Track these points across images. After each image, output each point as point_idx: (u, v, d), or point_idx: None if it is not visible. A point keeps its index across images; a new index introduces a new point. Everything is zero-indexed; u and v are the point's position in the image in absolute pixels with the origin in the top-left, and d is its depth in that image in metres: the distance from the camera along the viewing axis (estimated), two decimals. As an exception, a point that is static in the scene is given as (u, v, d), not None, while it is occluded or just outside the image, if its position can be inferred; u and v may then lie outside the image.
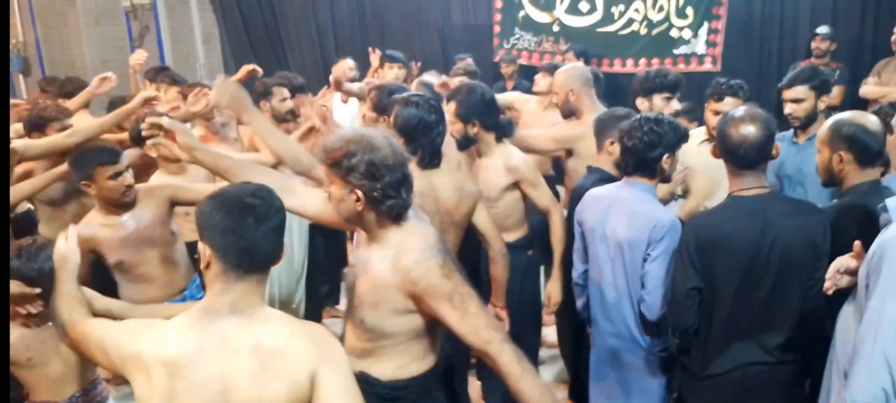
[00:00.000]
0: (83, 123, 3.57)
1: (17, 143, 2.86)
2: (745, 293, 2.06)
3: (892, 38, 5.00)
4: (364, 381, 1.87)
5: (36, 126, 3.27)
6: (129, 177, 2.64)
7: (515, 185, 2.90)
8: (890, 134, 2.27)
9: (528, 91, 4.75)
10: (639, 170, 2.35)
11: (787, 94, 3.07)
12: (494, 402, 3.16)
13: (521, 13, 6.39)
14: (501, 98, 4.66)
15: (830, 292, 1.85)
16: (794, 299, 2.06)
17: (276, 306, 3.82)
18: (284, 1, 6.83)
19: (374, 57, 5.09)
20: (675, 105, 3.35)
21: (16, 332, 2.13)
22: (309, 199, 2.08)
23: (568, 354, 3.51)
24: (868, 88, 5.00)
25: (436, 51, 6.56)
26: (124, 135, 3.50)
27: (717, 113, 3.10)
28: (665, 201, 2.70)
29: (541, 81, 4.34)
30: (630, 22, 6.16)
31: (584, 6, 6.20)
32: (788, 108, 3.08)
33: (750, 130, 2.04)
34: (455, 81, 4.27)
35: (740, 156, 2.06)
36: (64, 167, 2.90)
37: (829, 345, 1.92)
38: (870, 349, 1.56)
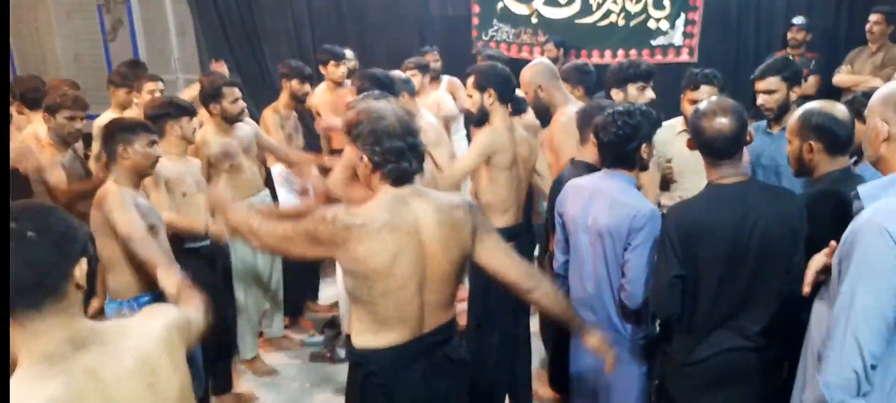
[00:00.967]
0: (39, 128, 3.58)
1: None
2: (727, 280, 2.09)
3: (867, 26, 5.05)
4: (351, 350, 2.07)
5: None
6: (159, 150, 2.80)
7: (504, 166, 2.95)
8: (862, 123, 2.28)
9: None
10: (618, 163, 2.38)
11: (760, 86, 3.08)
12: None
13: (500, 5, 6.37)
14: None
15: (809, 291, 1.86)
16: (774, 284, 2.09)
17: (249, 302, 3.86)
18: (261, -7, 6.76)
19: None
20: (650, 94, 3.37)
21: None
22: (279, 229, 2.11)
23: (550, 342, 3.52)
24: (841, 77, 5.05)
25: (413, 43, 6.51)
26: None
27: (693, 102, 3.12)
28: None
29: None
30: (608, 13, 6.16)
31: (562, -3, 6.20)
32: (761, 100, 3.09)
33: (724, 122, 2.07)
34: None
35: (718, 149, 2.09)
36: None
37: (805, 330, 1.94)
38: (841, 333, 1.60)
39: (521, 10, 6.33)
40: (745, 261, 2.06)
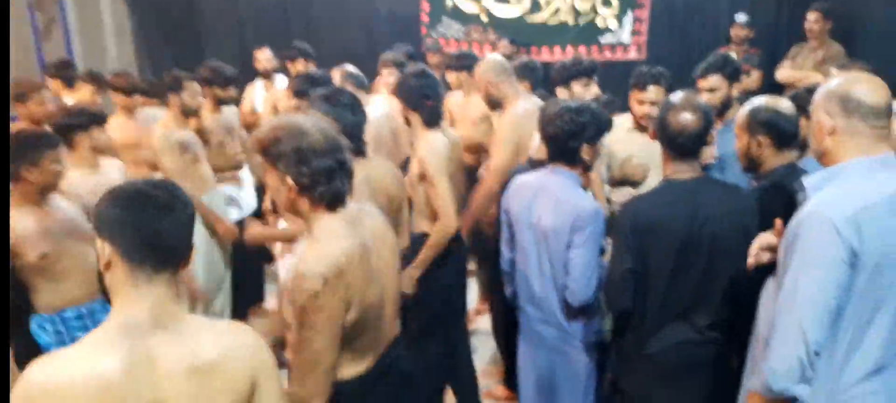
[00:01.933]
0: None
1: None
2: (679, 275, 2.09)
3: (806, 24, 5.17)
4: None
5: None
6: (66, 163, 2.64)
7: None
8: (806, 119, 2.31)
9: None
10: (560, 159, 2.36)
11: (702, 84, 3.11)
12: None
13: (449, 3, 6.34)
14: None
15: (752, 266, 1.90)
16: (725, 280, 2.09)
17: (210, 294, 3.71)
18: (202, -10, 6.56)
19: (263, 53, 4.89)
20: (595, 89, 3.38)
21: None
22: None
23: (501, 340, 3.50)
24: (783, 72, 5.17)
25: (361, 42, 6.41)
26: None
27: (641, 102, 3.12)
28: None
29: (450, 77, 4.29)
30: (557, 11, 6.18)
31: (511, -4, 6.19)
32: (704, 97, 3.10)
33: (689, 119, 2.08)
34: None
35: (679, 144, 2.10)
36: None
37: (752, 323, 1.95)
38: (786, 321, 1.62)
39: (470, 8, 6.31)
40: (697, 257, 2.06)
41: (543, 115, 2.38)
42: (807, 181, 1.72)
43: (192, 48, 6.48)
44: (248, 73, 5.39)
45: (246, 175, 4.25)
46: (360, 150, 2.42)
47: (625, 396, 2.29)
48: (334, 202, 1.73)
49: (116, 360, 1.25)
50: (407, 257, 2.77)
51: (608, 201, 3.21)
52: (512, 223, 2.50)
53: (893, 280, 1.61)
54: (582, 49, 6.13)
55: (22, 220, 2.49)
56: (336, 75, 3.64)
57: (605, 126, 2.39)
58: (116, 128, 3.65)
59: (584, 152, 2.33)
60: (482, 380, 3.30)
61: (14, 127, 3.24)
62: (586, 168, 2.39)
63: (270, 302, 4.62)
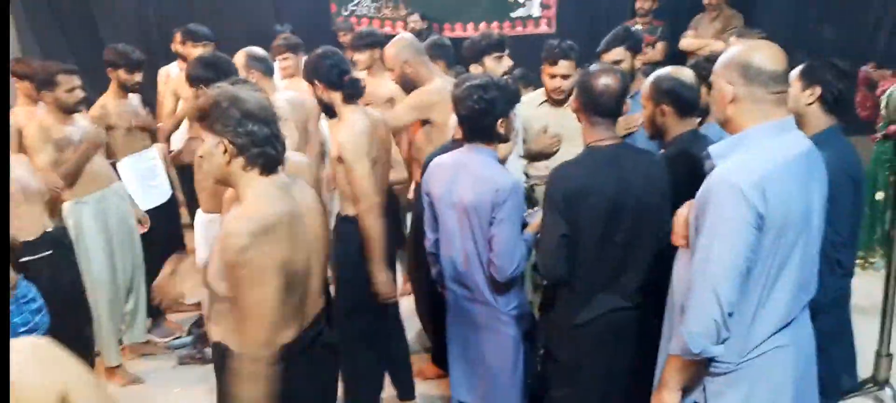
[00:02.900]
0: None
1: None
2: (607, 240, 2.14)
3: None
4: (218, 350, 1.89)
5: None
6: None
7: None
8: (706, 87, 2.41)
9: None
10: (476, 137, 2.37)
11: (606, 57, 3.21)
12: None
13: (359, -21, 6.21)
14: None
15: (682, 244, 1.92)
16: (649, 243, 2.17)
17: (103, 306, 3.53)
18: (95, -26, 6.14)
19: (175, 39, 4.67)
20: (507, 62, 3.40)
21: None
22: None
23: (427, 321, 3.50)
24: (687, 41, 5.38)
25: (269, 23, 6.20)
26: None
27: (552, 76, 3.17)
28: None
29: (359, 58, 4.18)
30: (468, -14, 6.18)
31: (421, -29, 6.12)
32: None
33: (610, 81, 2.14)
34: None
35: (601, 104, 2.14)
36: None
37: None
38: (701, 284, 1.67)
39: (381, -17, 6.21)
40: (623, 222, 2.13)
41: (454, 97, 2.37)
42: (713, 148, 1.77)
43: (87, 33, 6.09)
44: (152, 60, 5.10)
45: (158, 163, 4.08)
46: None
47: (557, 366, 2.32)
48: (268, 166, 1.78)
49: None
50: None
51: (526, 175, 3.26)
52: (433, 204, 2.49)
53: (795, 240, 1.70)
54: (494, 24, 6.16)
55: None
56: (240, 59, 3.46)
57: (514, 97, 2.43)
58: (22, 117, 3.41)
59: (500, 126, 2.34)
60: (412, 360, 3.31)
61: None
62: (502, 140, 2.41)
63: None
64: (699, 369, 1.78)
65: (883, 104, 2.83)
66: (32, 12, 5.99)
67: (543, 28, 6.21)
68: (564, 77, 3.16)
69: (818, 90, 2.36)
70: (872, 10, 5.72)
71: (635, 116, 2.85)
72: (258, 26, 6.14)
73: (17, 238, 2.80)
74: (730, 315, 1.67)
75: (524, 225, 2.40)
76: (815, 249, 1.80)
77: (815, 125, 2.34)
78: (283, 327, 1.81)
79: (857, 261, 2.96)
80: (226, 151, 1.75)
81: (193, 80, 2.83)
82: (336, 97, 2.77)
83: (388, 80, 3.52)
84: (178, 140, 4.50)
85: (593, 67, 2.22)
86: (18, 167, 2.97)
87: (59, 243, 3.10)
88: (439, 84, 3.23)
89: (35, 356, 1.30)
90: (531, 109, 3.31)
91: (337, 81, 2.74)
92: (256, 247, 1.68)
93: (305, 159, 2.64)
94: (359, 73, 4.17)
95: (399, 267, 4.33)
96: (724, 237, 1.65)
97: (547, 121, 3.23)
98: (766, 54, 1.74)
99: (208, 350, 3.67)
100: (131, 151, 3.91)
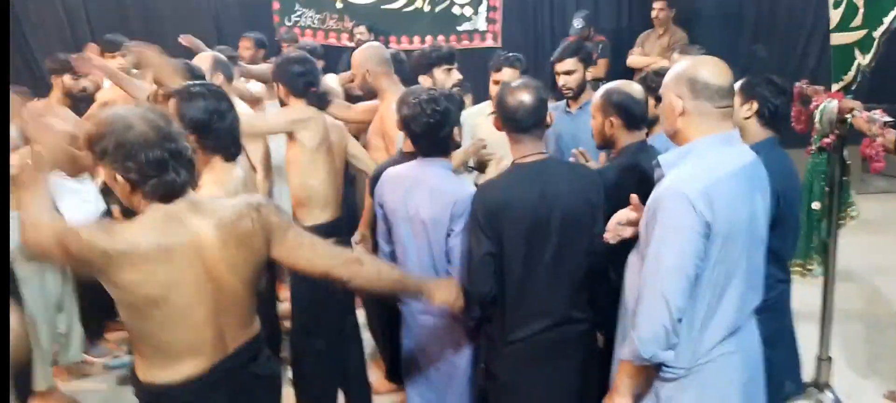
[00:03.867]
0: None
1: None
2: (533, 257, 2.12)
3: (653, 13, 5.56)
4: (133, 381, 1.80)
5: None
6: None
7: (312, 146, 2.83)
8: (654, 100, 2.46)
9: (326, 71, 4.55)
10: (433, 151, 2.36)
11: (560, 67, 3.25)
12: None
13: (303, -11, 6.14)
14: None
15: (614, 242, 2.00)
16: (578, 258, 2.16)
17: (41, 326, 3.33)
18: (22, -24, 5.87)
19: (91, 49, 4.54)
20: (456, 74, 3.41)
21: None
22: None
23: (379, 335, 3.46)
24: (634, 58, 5.53)
25: (210, 33, 6.06)
26: None
27: (496, 83, 3.20)
28: (457, 172, 2.69)
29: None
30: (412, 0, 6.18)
31: (366, -17, 6.11)
32: (562, 80, 3.25)
33: (524, 96, 2.12)
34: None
35: (518, 120, 2.13)
36: None
37: (614, 298, 2.05)
38: (650, 291, 1.71)
39: (325, -7, 6.16)
40: (548, 238, 2.11)
41: (402, 113, 2.34)
42: (662, 158, 1.81)
43: (14, 42, 5.81)
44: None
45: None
46: (237, 148, 2.32)
47: (496, 384, 2.30)
48: (168, 195, 1.66)
49: None
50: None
51: (476, 186, 3.26)
52: (387, 216, 2.46)
53: (742, 249, 1.75)
54: (440, 38, 6.18)
55: None
56: (206, 62, 3.35)
57: (460, 104, 2.44)
58: None
59: (455, 135, 2.34)
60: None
61: None
62: (457, 147, 2.42)
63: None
64: (650, 375, 1.81)
65: (816, 118, 2.95)
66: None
67: (489, 42, 6.28)
68: None
69: (755, 105, 2.45)
70: (803, 31, 6.01)
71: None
72: (197, 36, 5.98)
73: None
74: (679, 321, 1.70)
75: None
76: (761, 257, 1.86)
77: (752, 137, 2.41)
78: (172, 363, 1.72)
79: (796, 269, 3.06)
80: (122, 184, 1.64)
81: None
82: (298, 104, 2.80)
83: None
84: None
85: (507, 84, 2.21)
86: None
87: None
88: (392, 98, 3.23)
89: None
90: (480, 119, 3.32)
91: (301, 91, 2.77)
92: (78, 240, 1.57)
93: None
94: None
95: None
96: (672, 244, 1.68)
97: (493, 131, 3.24)
98: (712, 70, 1.79)
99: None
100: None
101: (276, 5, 6.20)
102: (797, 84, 3.17)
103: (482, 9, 6.25)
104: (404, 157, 2.64)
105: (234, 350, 1.81)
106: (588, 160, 2.66)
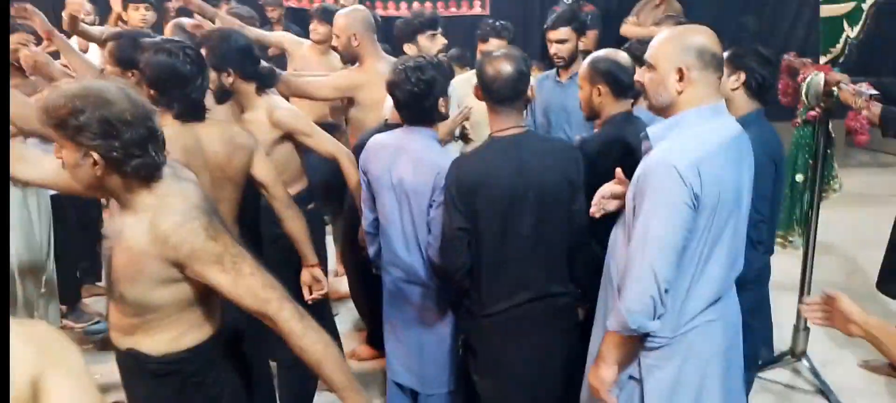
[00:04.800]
0: None
1: None
2: (509, 231, 2.11)
3: None
4: (133, 358, 1.75)
5: None
6: None
7: (285, 138, 2.68)
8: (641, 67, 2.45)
9: (299, 36, 4.44)
10: (418, 120, 2.33)
11: (552, 35, 3.21)
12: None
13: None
14: (270, 37, 4.33)
15: (598, 216, 1.99)
16: (556, 233, 2.15)
17: (17, 292, 3.30)
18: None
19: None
20: (441, 39, 3.37)
21: None
22: (48, 167, 1.81)
23: (361, 303, 3.46)
24: (628, 28, 5.48)
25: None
26: None
27: (484, 54, 3.16)
28: (444, 142, 2.67)
29: (319, 29, 4.06)
30: (400, -35, 6.09)
31: (352, -53, 5.98)
32: (554, 49, 3.22)
33: (504, 66, 2.08)
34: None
35: (495, 91, 2.10)
36: None
37: (595, 270, 2.05)
38: (638, 263, 1.71)
39: (306, -42, 6.03)
40: (525, 212, 2.10)
41: (389, 82, 2.32)
42: (650, 131, 1.80)
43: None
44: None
45: None
46: (195, 113, 2.24)
47: (475, 355, 2.31)
48: (151, 175, 1.60)
49: None
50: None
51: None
52: (371, 184, 2.44)
53: (726, 219, 1.76)
54: (427, 5, 6.10)
55: None
56: (167, 31, 3.31)
57: (449, 74, 2.40)
58: None
59: (441, 105, 2.31)
60: (346, 342, 3.25)
61: None
62: (443, 119, 2.39)
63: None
64: (635, 344, 1.83)
65: (803, 91, 2.95)
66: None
67: (477, 9, 6.20)
68: None
69: (743, 76, 2.44)
70: (793, 2, 6.01)
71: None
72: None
73: None
74: (666, 291, 1.71)
75: None
76: (744, 228, 1.87)
77: (739, 109, 2.41)
78: (203, 324, 1.76)
79: (778, 240, 3.09)
80: (96, 164, 1.52)
81: (124, 63, 2.58)
82: (249, 88, 2.62)
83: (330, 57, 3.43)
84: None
85: (488, 53, 2.17)
86: None
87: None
88: (380, 67, 3.14)
89: (17, 334, 1.17)
90: (467, 89, 3.29)
91: (253, 71, 2.59)
92: (215, 225, 1.61)
93: (231, 129, 2.50)
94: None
95: (332, 249, 4.28)
96: (661, 216, 1.69)
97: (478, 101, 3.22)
98: (713, 39, 1.78)
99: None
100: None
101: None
102: (785, 56, 3.18)
103: (471, -25, 6.17)
104: (389, 127, 2.62)
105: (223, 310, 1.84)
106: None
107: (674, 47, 1.77)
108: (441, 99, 2.31)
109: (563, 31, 3.19)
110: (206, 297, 1.72)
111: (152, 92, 2.14)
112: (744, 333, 2.01)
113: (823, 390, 3.13)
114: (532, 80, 2.30)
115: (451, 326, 2.45)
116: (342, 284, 3.73)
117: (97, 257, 4.18)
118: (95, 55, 4.20)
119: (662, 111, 1.82)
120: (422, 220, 2.31)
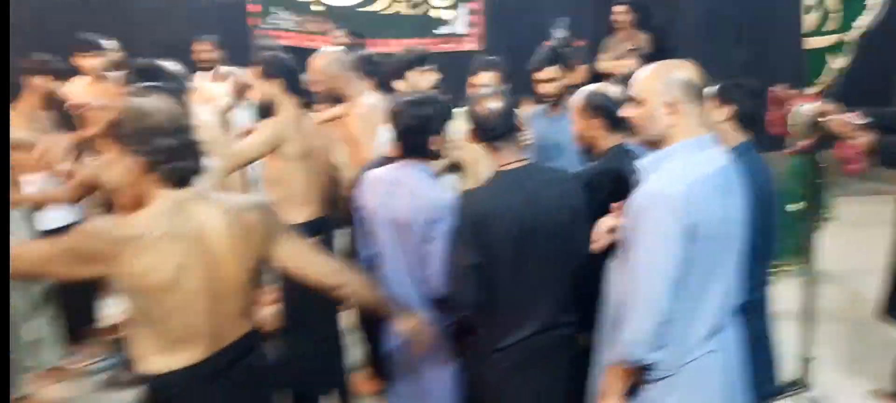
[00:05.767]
0: None
1: None
2: (520, 263, 2.11)
3: (613, 16, 5.60)
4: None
5: None
6: None
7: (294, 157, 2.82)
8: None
9: None
10: (411, 153, 2.33)
11: (541, 76, 3.24)
12: None
13: (280, -8, 6.09)
14: None
15: (599, 250, 2.00)
16: (563, 263, 2.16)
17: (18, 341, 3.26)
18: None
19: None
20: (432, 76, 3.38)
21: None
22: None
23: (365, 331, 3.40)
24: (603, 63, 5.54)
25: (184, 33, 5.97)
26: None
27: (473, 88, 3.18)
28: (440, 175, 2.67)
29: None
30: (392, 2, 6.15)
31: (344, -15, 6.08)
32: (542, 88, 3.26)
33: (492, 103, 2.13)
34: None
35: (490, 129, 2.13)
36: None
37: (598, 302, 2.06)
38: (637, 294, 1.72)
39: (303, -3, 6.11)
40: (535, 243, 2.10)
41: (391, 112, 2.35)
42: (641, 162, 1.82)
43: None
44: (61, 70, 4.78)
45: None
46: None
47: (484, 389, 2.29)
48: (179, 181, 1.73)
49: None
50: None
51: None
52: (367, 219, 2.43)
53: (722, 249, 1.77)
54: (420, 41, 6.16)
55: None
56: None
57: (449, 111, 2.40)
58: None
59: (433, 143, 2.31)
60: (351, 374, 3.23)
61: None
62: (436, 157, 2.39)
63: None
64: (637, 377, 1.82)
65: (790, 122, 2.98)
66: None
67: (469, 45, 6.27)
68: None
69: (731, 109, 2.46)
70: (779, 34, 6.09)
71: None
72: (173, 37, 5.91)
73: None
74: (665, 322, 1.70)
75: None
76: (740, 258, 1.87)
77: (728, 141, 2.43)
78: (171, 350, 1.76)
79: (775, 270, 3.08)
80: (134, 165, 1.70)
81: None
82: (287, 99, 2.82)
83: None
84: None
85: (473, 97, 2.22)
86: None
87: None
88: (365, 102, 3.20)
89: None
90: (463, 124, 3.31)
91: (296, 87, 2.83)
92: (84, 236, 1.67)
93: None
94: None
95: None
96: (655, 248, 1.69)
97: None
98: (694, 72, 1.81)
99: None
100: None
101: (254, 7, 6.14)
102: (771, 88, 3.21)
103: (462, 12, 6.25)
104: (384, 161, 2.62)
105: (232, 341, 1.85)
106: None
107: (660, 82, 1.80)
108: (436, 137, 2.31)
109: (549, 72, 3.24)
110: (160, 322, 1.74)
111: None
112: (747, 364, 2.00)
113: (830, 421, 3.11)
114: (523, 115, 2.31)
115: (451, 361, 2.43)
116: (347, 315, 3.71)
117: (95, 295, 4.13)
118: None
119: (654, 145, 1.84)
120: (418, 255, 2.29)
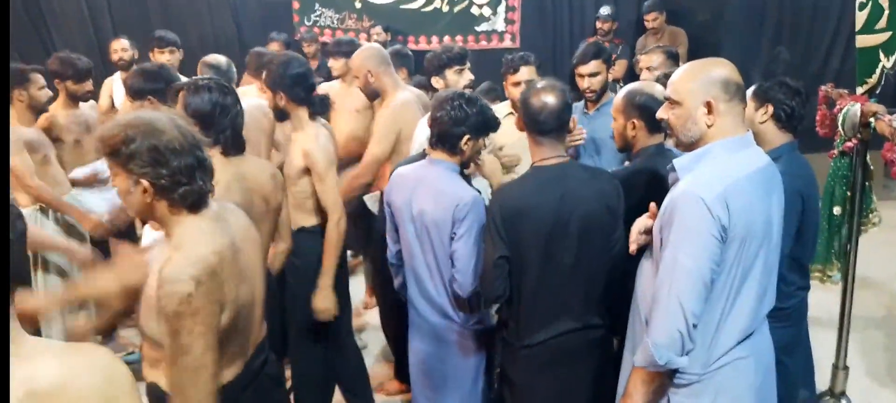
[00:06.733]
0: None
1: None
2: (551, 260, 2.10)
3: (646, 23, 5.58)
4: (153, 395, 1.72)
5: None
6: None
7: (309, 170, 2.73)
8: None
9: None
10: (441, 145, 2.32)
11: (583, 69, 3.20)
12: None
13: (322, -11, 6.17)
14: None
15: (634, 252, 1.95)
16: (598, 262, 2.13)
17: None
18: (45, -26, 5.95)
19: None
20: (469, 75, 3.38)
21: None
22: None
23: (391, 334, 3.44)
24: (640, 63, 5.49)
25: (229, 29, 6.10)
26: None
27: (516, 84, 3.17)
28: (472, 175, 2.67)
29: (334, 65, 4.15)
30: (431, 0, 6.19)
31: (385, -17, 6.12)
32: (586, 83, 3.22)
33: (549, 98, 2.09)
34: None
35: (541, 122, 2.10)
36: None
37: (629, 303, 2.01)
38: (666, 295, 1.67)
39: (344, -7, 6.18)
40: (568, 241, 2.08)
41: (435, 100, 2.35)
42: (677, 162, 1.78)
43: (38, 37, 5.89)
44: (109, 67, 4.96)
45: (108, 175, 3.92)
46: (236, 146, 2.28)
47: (511, 386, 2.28)
48: (198, 203, 1.62)
49: None
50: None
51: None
52: (394, 215, 2.45)
53: (756, 251, 1.72)
54: (458, 38, 6.18)
55: None
56: (199, 70, 3.44)
57: (492, 124, 2.37)
58: None
59: (465, 143, 2.29)
60: (374, 375, 3.24)
61: None
62: (465, 161, 2.37)
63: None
64: (663, 381, 1.78)
65: (839, 122, 2.90)
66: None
67: (508, 43, 6.26)
68: (528, 83, 3.17)
69: (771, 108, 2.41)
70: (827, 32, 5.93)
71: (580, 131, 2.88)
72: (217, 34, 6.05)
73: None
74: (694, 326, 1.67)
75: None
76: (775, 261, 1.82)
77: (770, 142, 2.38)
78: (227, 366, 1.70)
79: (816, 275, 3.01)
80: (146, 191, 1.57)
81: (135, 93, 2.73)
82: (301, 112, 2.73)
83: (357, 90, 3.50)
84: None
85: (534, 84, 2.17)
86: None
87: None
88: (401, 97, 3.23)
89: (84, 364, 1.21)
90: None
91: (304, 97, 2.71)
92: (203, 295, 1.52)
93: (268, 164, 2.57)
94: (329, 83, 4.16)
95: (363, 279, 4.29)
96: (689, 249, 1.65)
97: (512, 132, 3.23)
98: (733, 70, 1.76)
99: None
100: (80, 163, 3.72)
101: (296, 4, 6.23)
102: (822, 88, 3.13)
103: (501, 9, 6.23)
104: (420, 158, 2.63)
105: (255, 349, 1.82)
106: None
107: (698, 82, 1.76)
108: (468, 137, 2.29)
109: (594, 65, 3.19)
110: (228, 339, 1.67)
111: (198, 127, 2.17)
112: (778, 371, 1.95)
113: (865, 432, 3.02)
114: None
115: (476, 361, 2.43)
116: (372, 316, 3.73)
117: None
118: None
119: (690, 146, 1.79)
120: (443, 252, 2.30)
